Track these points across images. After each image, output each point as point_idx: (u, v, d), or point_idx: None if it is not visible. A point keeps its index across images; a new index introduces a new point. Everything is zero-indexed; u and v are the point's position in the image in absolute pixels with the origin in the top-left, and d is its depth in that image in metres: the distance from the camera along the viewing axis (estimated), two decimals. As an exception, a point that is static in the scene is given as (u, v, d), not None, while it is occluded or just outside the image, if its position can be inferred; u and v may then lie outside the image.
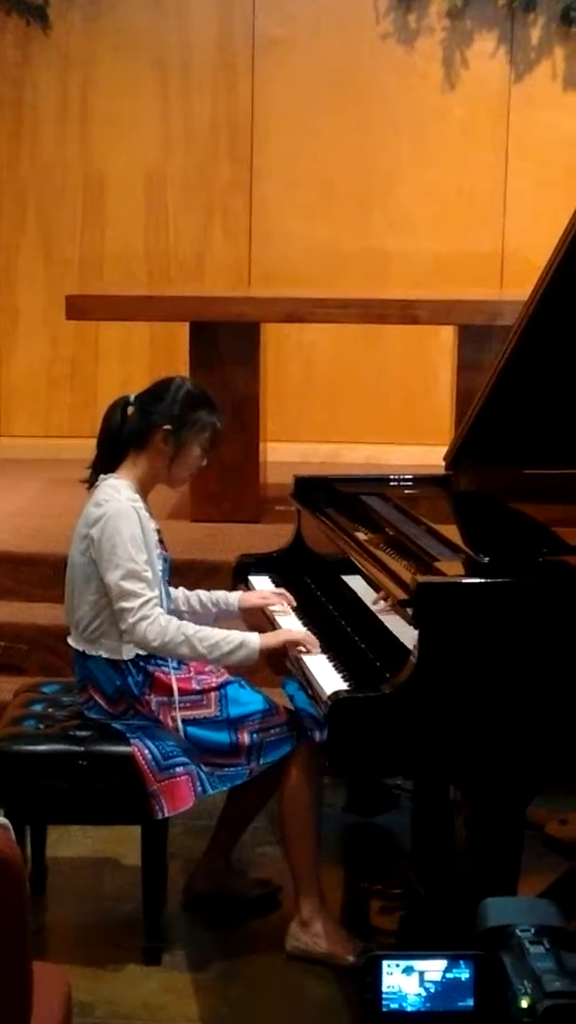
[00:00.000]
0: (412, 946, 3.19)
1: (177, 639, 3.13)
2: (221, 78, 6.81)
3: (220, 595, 3.46)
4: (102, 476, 3.27)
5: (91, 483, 3.30)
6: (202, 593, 3.46)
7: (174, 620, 3.18)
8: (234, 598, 3.45)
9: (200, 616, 3.38)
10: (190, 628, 3.16)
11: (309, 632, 3.22)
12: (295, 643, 3.16)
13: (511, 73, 6.71)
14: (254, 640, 3.17)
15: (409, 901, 3.45)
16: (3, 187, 6.88)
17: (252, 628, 3.33)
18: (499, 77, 6.72)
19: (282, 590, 3.48)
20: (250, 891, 3.50)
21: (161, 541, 3.33)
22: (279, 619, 3.36)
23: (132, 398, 3.31)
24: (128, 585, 3.13)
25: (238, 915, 3.43)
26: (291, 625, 3.31)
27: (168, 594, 3.34)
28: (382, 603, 3.00)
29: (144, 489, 3.28)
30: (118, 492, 3.20)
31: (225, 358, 5.23)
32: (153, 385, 3.34)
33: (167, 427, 3.23)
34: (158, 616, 3.14)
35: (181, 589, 3.46)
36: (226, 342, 5.25)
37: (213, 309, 5.29)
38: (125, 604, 3.13)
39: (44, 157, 6.87)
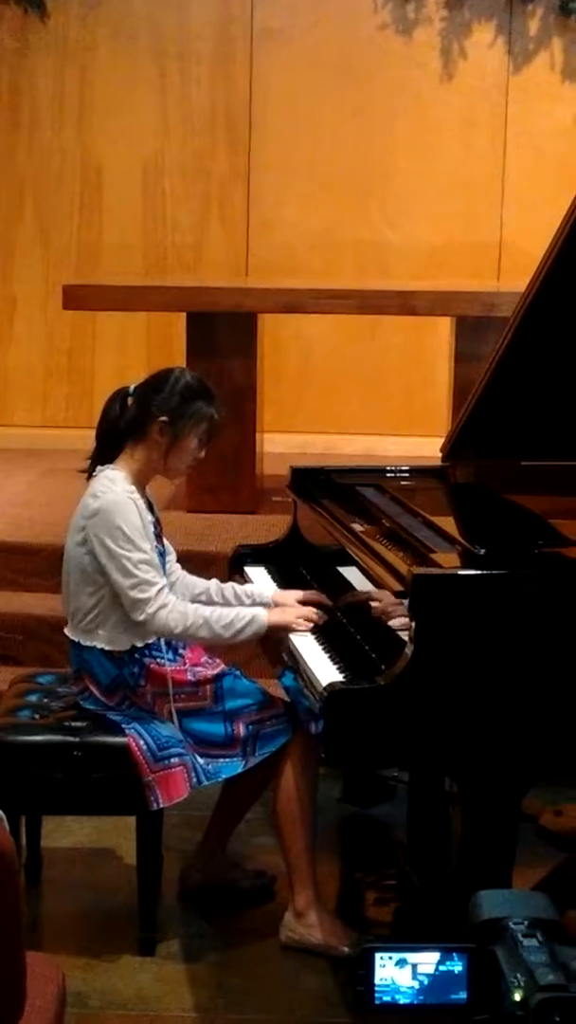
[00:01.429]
0: (407, 938, 3.20)
1: (197, 623, 3.15)
2: (219, 67, 6.79)
3: (254, 589, 3.44)
4: (99, 467, 3.27)
5: (89, 474, 3.29)
6: (236, 586, 3.45)
7: (190, 605, 3.21)
8: (268, 593, 3.41)
9: (216, 607, 3.37)
10: (206, 610, 3.18)
11: (313, 609, 3.23)
12: (303, 619, 3.17)
13: (509, 64, 6.70)
14: (262, 615, 3.19)
15: (404, 892, 3.46)
16: (0, 176, 6.87)
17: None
18: (497, 68, 6.71)
19: (318, 595, 3.35)
20: (245, 882, 3.50)
21: (159, 534, 3.32)
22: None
23: (131, 389, 3.30)
24: (141, 574, 3.12)
25: (233, 906, 3.43)
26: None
27: (170, 584, 3.34)
28: (378, 604, 3.00)
29: (141, 481, 3.28)
30: (114, 484, 3.19)
31: (222, 349, 5.22)
32: (152, 376, 3.33)
33: (164, 418, 3.22)
34: (175, 603, 3.15)
35: (214, 580, 3.44)
36: (223, 333, 5.23)
37: (210, 299, 5.28)
38: (141, 595, 3.13)
39: (41, 146, 6.85)
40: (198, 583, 3.42)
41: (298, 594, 3.39)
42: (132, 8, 6.76)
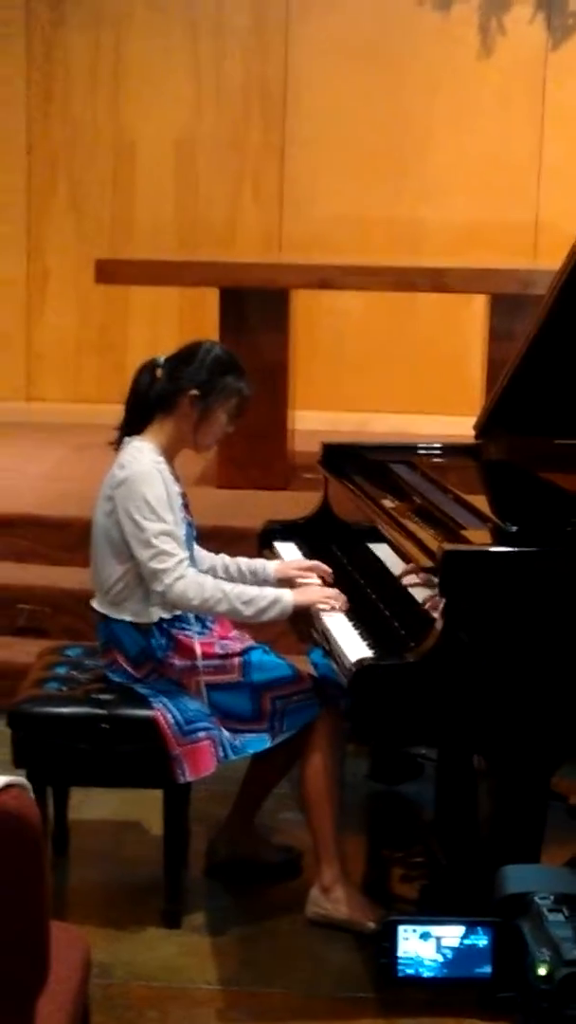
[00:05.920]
0: (433, 915, 3.18)
1: (216, 596, 3.13)
2: (254, 41, 6.75)
3: (258, 564, 3.44)
4: (127, 438, 3.26)
5: (117, 445, 3.29)
6: (241, 561, 3.44)
7: (209, 578, 3.19)
8: (271, 568, 3.43)
9: (237, 583, 3.36)
10: (227, 585, 3.16)
11: (339, 591, 3.21)
12: (326, 599, 3.16)
13: (548, 40, 6.64)
14: (288, 597, 3.17)
15: (431, 870, 3.45)
16: (34, 147, 6.86)
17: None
18: (536, 44, 6.65)
19: (317, 562, 3.43)
20: (271, 857, 3.50)
21: (186, 506, 3.31)
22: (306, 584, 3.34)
23: (161, 360, 3.29)
24: (161, 544, 3.11)
25: (259, 880, 3.43)
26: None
27: (193, 558, 3.33)
28: (412, 577, 2.98)
29: (170, 453, 3.27)
30: (141, 453, 3.19)
31: (255, 325, 5.21)
32: (182, 348, 3.32)
33: (194, 392, 3.21)
34: (194, 575, 3.14)
35: (222, 556, 3.43)
36: (256, 309, 5.22)
37: (243, 275, 5.27)
38: (159, 565, 3.12)
39: (75, 118, 6.84)
40: (205, 558, 3.41)
41: (300, 562, 3.42)
42: (167, -20, 6.73)
